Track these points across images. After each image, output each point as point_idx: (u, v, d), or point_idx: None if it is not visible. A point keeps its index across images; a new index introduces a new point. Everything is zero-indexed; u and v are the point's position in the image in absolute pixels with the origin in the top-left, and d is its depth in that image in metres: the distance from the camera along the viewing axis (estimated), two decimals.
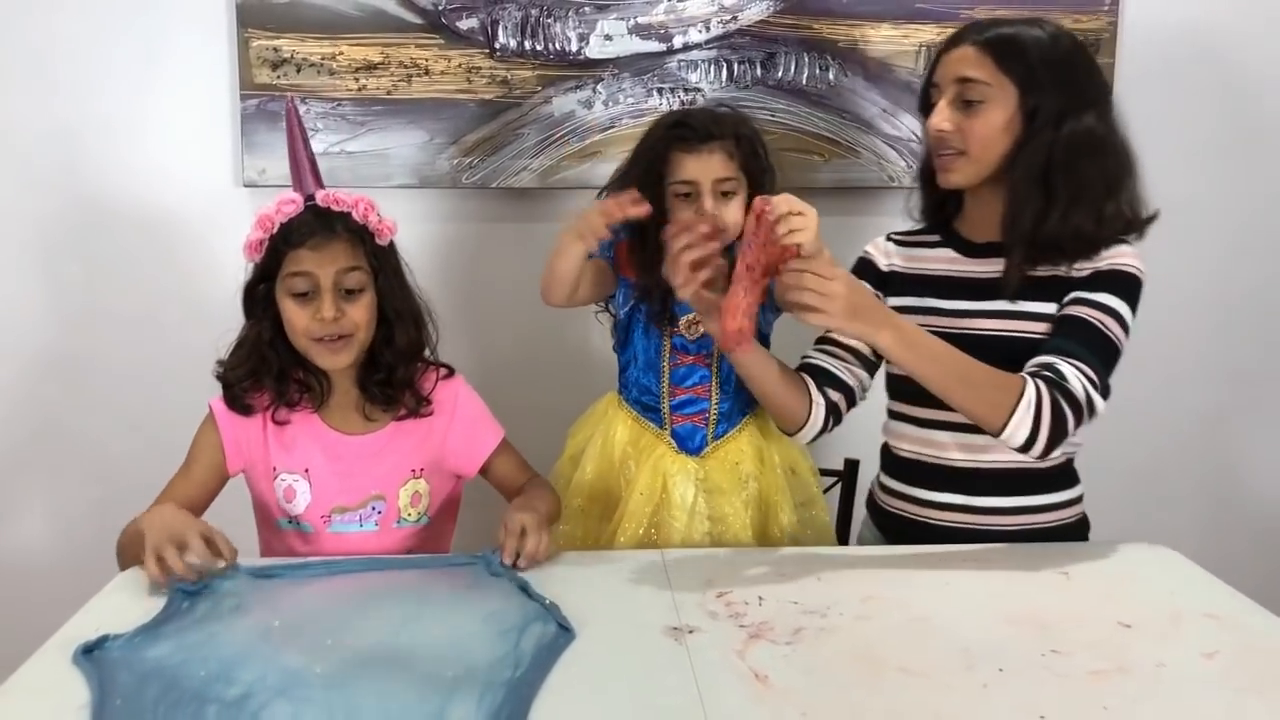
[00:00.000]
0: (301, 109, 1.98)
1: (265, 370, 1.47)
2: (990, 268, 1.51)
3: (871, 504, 1.71)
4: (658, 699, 1.04)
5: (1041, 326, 1.46)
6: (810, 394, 1.53)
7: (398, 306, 1.48)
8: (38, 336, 2.07)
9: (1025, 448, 1.37)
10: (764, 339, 1.68)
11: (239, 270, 2.02)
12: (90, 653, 1.12)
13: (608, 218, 1.46)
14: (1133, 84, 2.08)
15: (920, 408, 1.54)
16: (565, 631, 1.17)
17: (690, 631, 1.19)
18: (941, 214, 1.61)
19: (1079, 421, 1.37)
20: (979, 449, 1.51)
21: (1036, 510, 1.54)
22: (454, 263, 2.10)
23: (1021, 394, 1.36)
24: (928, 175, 1.59)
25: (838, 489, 1.94)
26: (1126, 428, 2.04)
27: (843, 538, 1.92)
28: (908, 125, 2.10)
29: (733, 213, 1.56)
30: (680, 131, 1.58)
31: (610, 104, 2.05)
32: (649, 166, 1.59)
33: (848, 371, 1.59)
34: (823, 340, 1.62)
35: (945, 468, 1.55)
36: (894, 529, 1.62)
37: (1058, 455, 1.45)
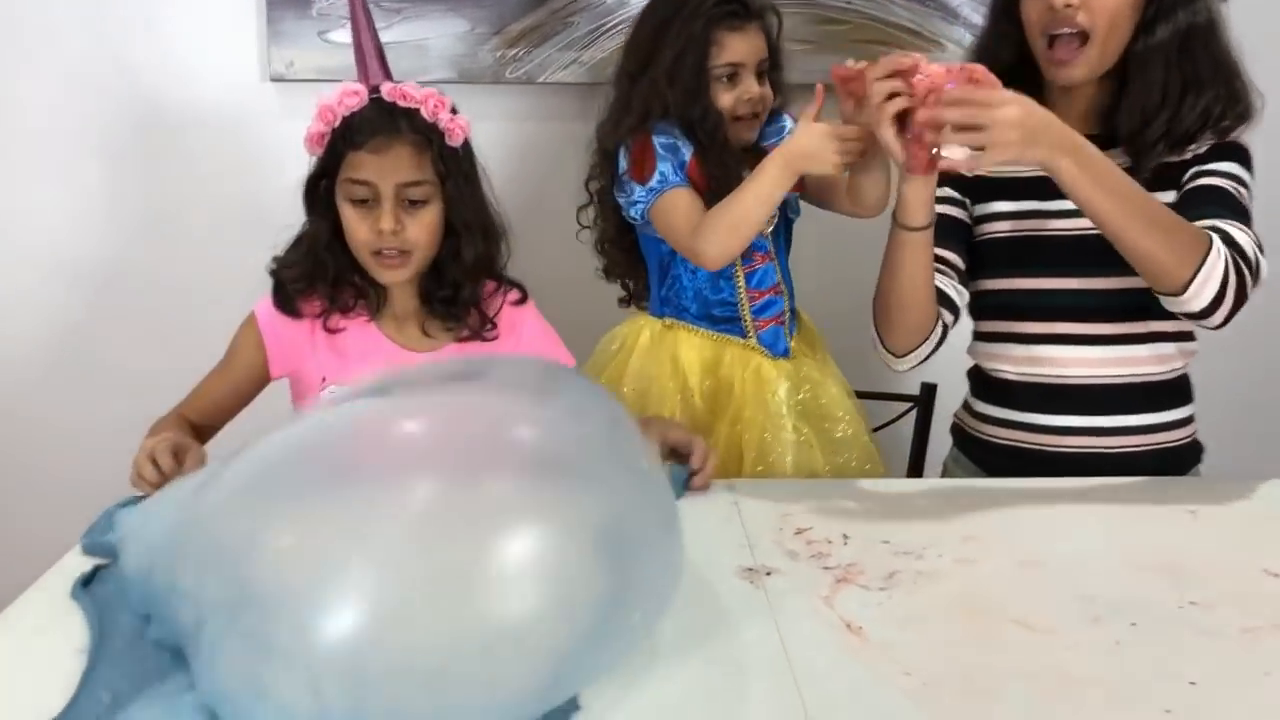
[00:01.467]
0: None
1: (320, 274, 1.35)
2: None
3: (958, 433, 1.55)
4: (736, 651, 0.90)
5: None
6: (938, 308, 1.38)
7: (467, 218, 1.35)
8: (62, 241, 1.95)
9: (1208, 311, 1.23)
10: (788, 225, 1.58)
11: (271, 167, 1.91)
12: (88, 586, 1.00)
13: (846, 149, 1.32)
14: None
15: (1030, 323, 1.39)
16: None
17: (768, 574, 1.04)
18: None
19: (1254, 284, 1.24)
20: (1095, 363, 1.37)
21: (1150, 430, 1.39)
22: (495, 164, 1.93)
23: (1210, 246, 1.20)
24: (1017, 70, 1.36)
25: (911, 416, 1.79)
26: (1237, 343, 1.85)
27: (916, 469, 1.77)
28: None
29: (769, 91, 1.49)
30: (730, 8, 1.44)
31: None
32: (698, 50, 1.44)
33: (953, 288, 1.42)
34: None
35: (1054, 386, 1.39)
36: (987, 458, 1.47)
37: (1179, 367, 1.38)
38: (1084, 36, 1.30)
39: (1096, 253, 1.28)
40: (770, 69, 1.50)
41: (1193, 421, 1.45)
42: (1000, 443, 1.45)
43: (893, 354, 1.41)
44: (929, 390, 1.78)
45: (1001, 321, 1.44)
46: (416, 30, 1.85)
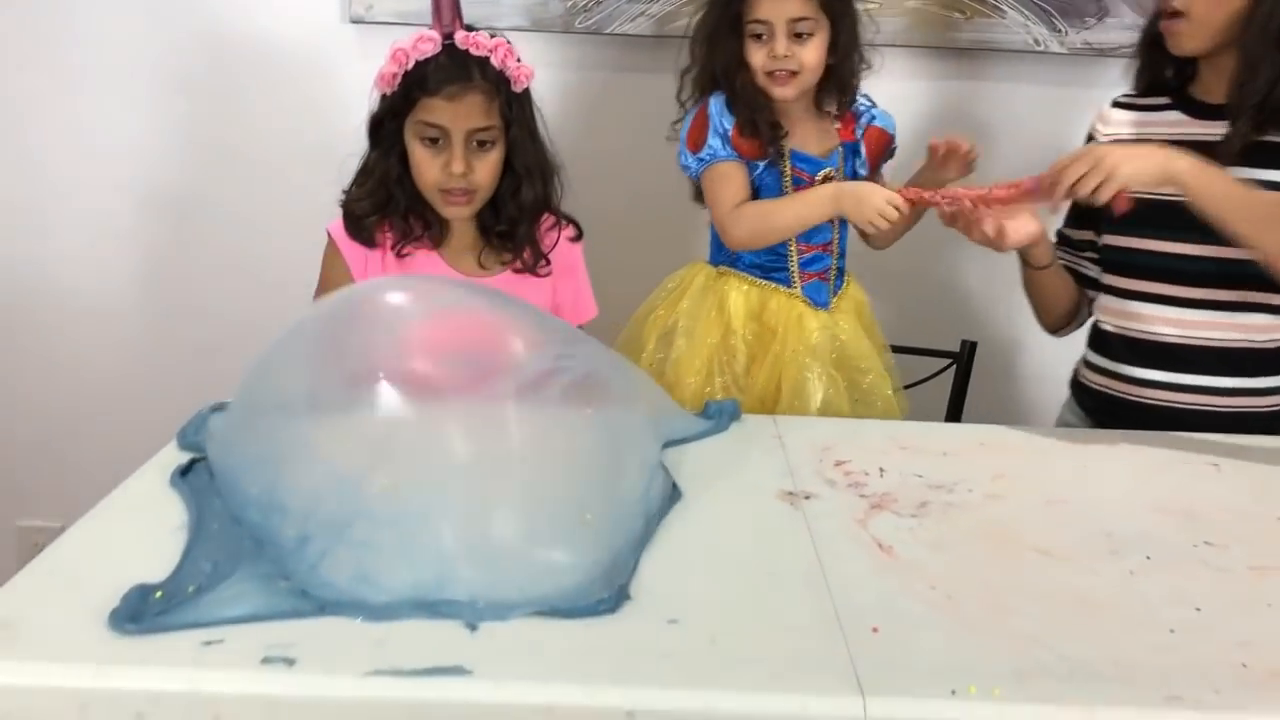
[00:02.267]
0: None
1: (393, 208, 1.43)
2: (1217, 130, 1.42)
3: (1075, 384, 1.62)
4: (775, 564, 0.97)
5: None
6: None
7: (527, 161, 1.43)
8: (146, 169, 2.04)
9: None
10: None
11: (346, 107, 1.98)
12: (185, 475, 1.10)
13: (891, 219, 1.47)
14: None
15: (1125, 278, 1.47)
16: (675, 490, 1.11)
17: (807, 498, 1.12)
18: (1177, 77, 1.50)
19: None
20: (1183, 324, 1.44)
21: (1252, 393, 1.45)
22: (563, 112, 2.00)
23: None
24: (1150, 39, 1.49)
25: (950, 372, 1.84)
26: None
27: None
28: None
29: (810, 53, 1.50)
30: None
31: None
32: (724, 5, 1.51)
33: (1088, 265, 1.58)
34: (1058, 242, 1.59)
35: (1155, 343, 1.47)
36: (1099, 408, 1.55)
37: (1273, 338, 1.44)
38: (1176, 14, 1.40)
39: (1195, 220, 1.34)
40: (836, 29, 1.52)
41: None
42: (1099, 390, 1.54)
43: (1049, 331, 1.63)
44: (969, 347, 1.84)
45: (1108, 276, 1.54)
46: None
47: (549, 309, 1.49)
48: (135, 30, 1.98)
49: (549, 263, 1.49)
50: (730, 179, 1.55)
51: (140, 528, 1.00)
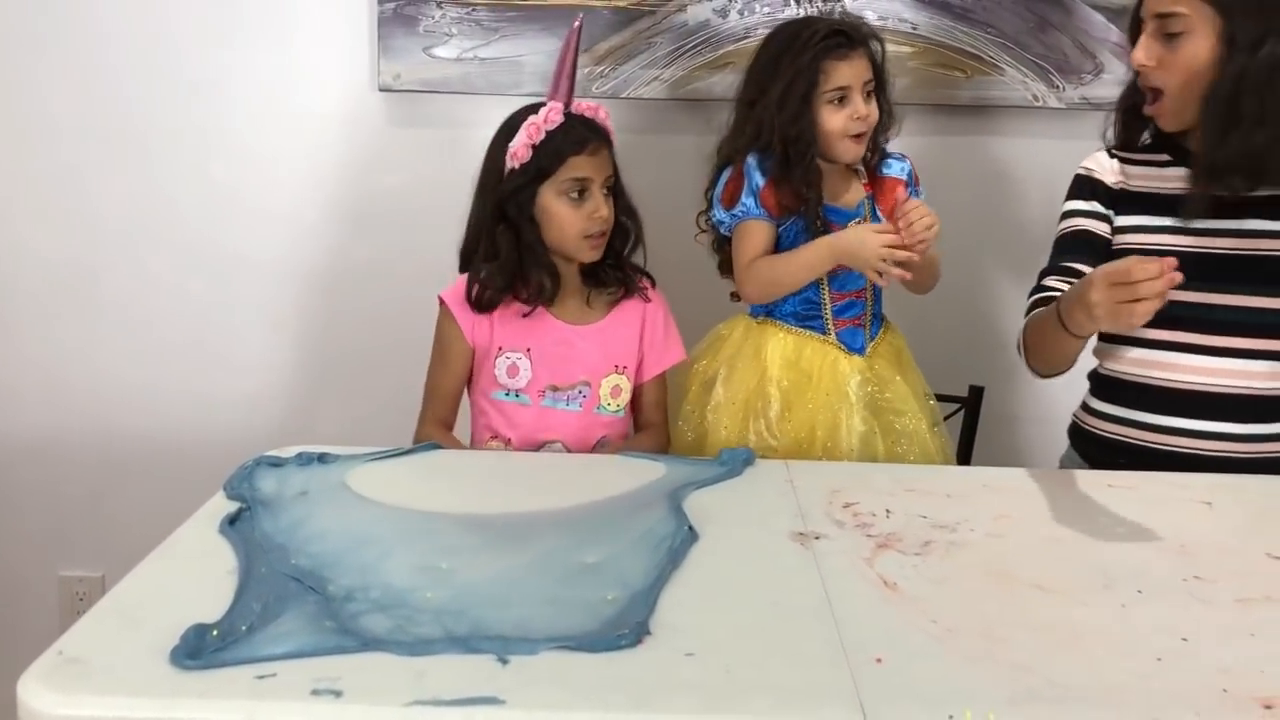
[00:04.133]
0: (436, 14, 2.01)
1: (522, 279, 1.59)
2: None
3: (1075, 431, 1.66)
4: (785, 600, 1.04)
5: None
6: None
7: (626, 204, 1.65)
8: (191, 231, 2.13)
9: None
10: None
11: (375, 169, 2.09)
12: (234, 524, 1.18)
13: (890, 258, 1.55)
14: None
15: (1153, 329, 1.47)
16: (691, 533, 1.18)
17: (817, 538, 1.18)
18: (1170, 135, 1.56)
19: None
20: (1210, 372, 1.49)
21: (1255, 439, 1.50)
22: None
23: None
24: (1129, 104, 1.57)
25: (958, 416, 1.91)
26: None
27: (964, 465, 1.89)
28: (1056, 42, 2.01)
29: (875, 110, 1.66)
30: (836, 40, 1.62)
31: (745, 13, 2.00)
32: (803, 76, 1.62)
33: None
34: (1054, 270, 1.60)
35: (1181, 391, 1.51)
36: (1104, 456, 1.57)
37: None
38: (1158, 92, 1.47)
39: (1226, 271, 1.43)
40: (876, 89, 1.68)
41: None
42: (1111, 439, 1.57)
43: (1042, 375, 1.62)
44: (976, 392, 1.90)
45: None
46: (512, 48, 2.02)
47: (645, 348, 1.68)
48: (181, 103, 2.08)
49: (653, 283, 1.70)
50: (753, 236, 1.66)
51: (194, 572, 1.07)
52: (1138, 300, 1.31)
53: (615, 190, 1.63)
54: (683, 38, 2.01)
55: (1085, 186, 1.60)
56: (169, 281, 2.15)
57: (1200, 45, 1.42)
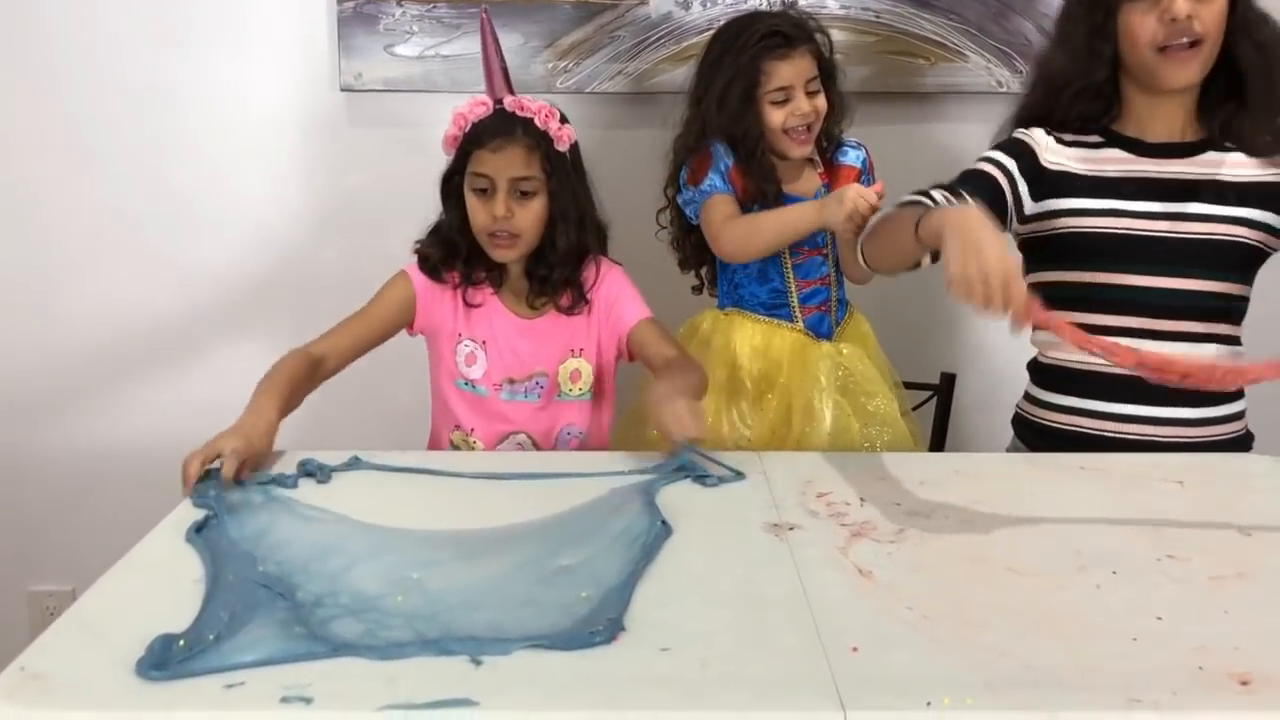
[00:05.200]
0: (397, 12, 1.99)
1: (455, 254, 1.60)
2: (1171, 168, 1.49)
3: (1020, 422, 1.65)
4: (760, 592, 1.03)
5: (1251, 233, 1.46)
6: None
7: (565, 210, 1.57)
8: (148, 239, 2.11)
9: None
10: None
11: (337, 170, 2.07)
12: (200, 532, 1.16)
13: (861, 214, 1.51)
14: None
15: (1097, 314, 1.49)
16: (664, 526, 1.17)
17: (791, 529, 1.18)
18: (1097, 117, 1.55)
19: None
20: None
21: (1206, 423, 1.50)
22: None
23: None
24: (1087, 82, 1.52)
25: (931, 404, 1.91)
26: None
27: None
28: (1018, 28, 2.01)
29: (821, 104, 1.68)
30: (774, 40, 1.63)
31: (708, 5, 2.00)
32: (746, 78, 1.64)
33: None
34: (944, 187, 1.50)
35: (1115, 376, 1.45)
36: (1051, 446, 1.55)
37: None
38: (1196, 42, 1.44)
39: (1168, 255, 1.44)
40: (826, 81, 1.68)
41: (1243, 416, 1.55)
42: (1059, 428, 1.55)
43: (863, 260, 1.50)
44: (948, 379, 1.90)
45: (1067, 312, 1.49)
46: (475, 44, 1.97)
47: (598, 335, 1.63)
48: (135, 108, 2.05)
49: (588, 303, 1.62)
50: (723, 204, 1.67)
51: (160, 581, 1.06)
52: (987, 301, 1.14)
53: (552, 194, 1.55)
54: (645, 31, 2.01)
55: (1015, 147, 1.55)
56: (131, 291, 2.12)
57: None
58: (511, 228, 1.54)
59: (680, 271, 1.82)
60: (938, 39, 2.02)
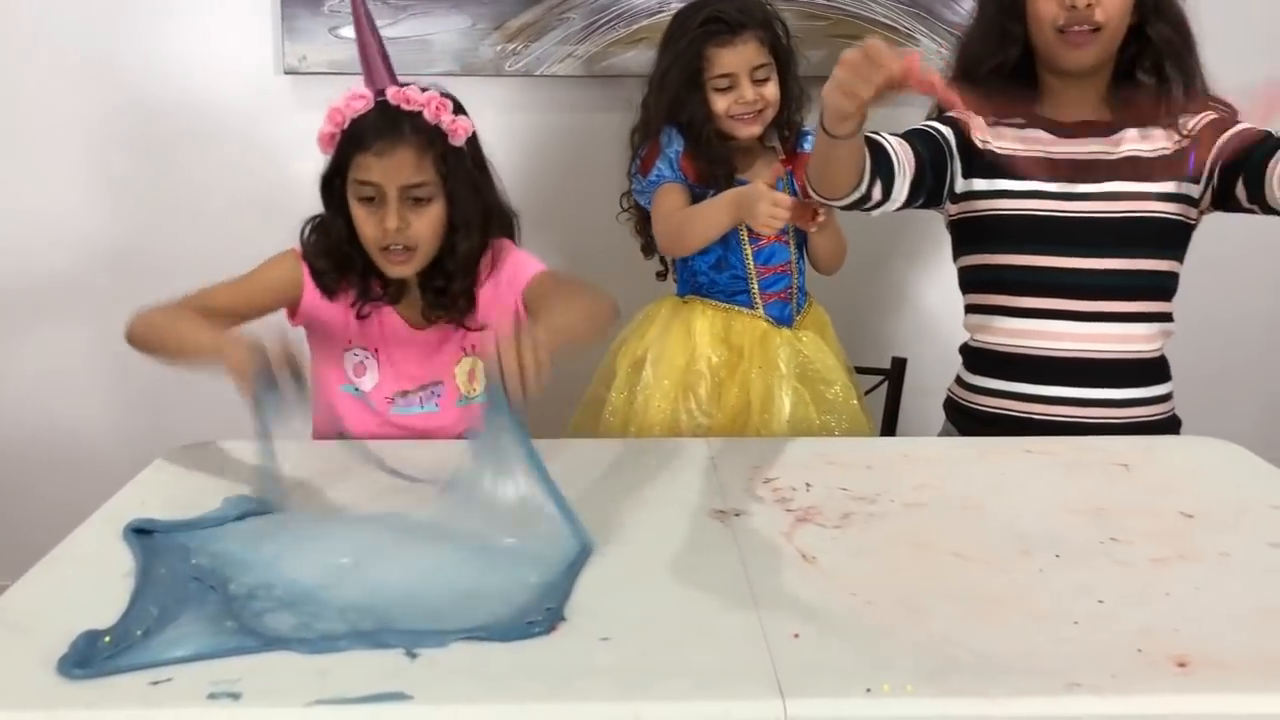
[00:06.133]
0: None
1: (349, 268, 1.43)
2: (1086, 147, 1.49)
3: (951, 406, 1.65)
4: (703, 579, 1.02)
5: (1171, 206, 1.46)
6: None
7: (465, 215, 1.41)
8: (88, 226, 2.06)
9: None
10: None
11: (282, 156, 2.02)
12: (138, 533, 1.12)
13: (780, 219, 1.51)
14: None
15: (1024, 297, 1.50)
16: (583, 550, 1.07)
17: (737, 515, 1.17)
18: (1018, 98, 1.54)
19: None
20: (1088, 338, 1.48)
21: (1133, 404, 1.51)
22: (496, 153, 2.05)
23: None
24: (998, 62, 1.52)
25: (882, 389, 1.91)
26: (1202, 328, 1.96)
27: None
28: (969, 11, 2.00)
29: (771, 91, 1.65)
30: (714, 27, 1.61)
31: None
32: (685, 65, 1.63)
33: (902, 166, 1.47)
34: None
35: (1043, 358, 1.50)
36: (978, 429, 1.56)
37: (1159, 346, 1.51)
38: (1096, 28, 1.45)
39: (1094, 235, 1.44)
40: (781, 70, 1.66)
41: (1171, 398, 1.56)
42: (991, 412, 1.55)
43: (818, 196, 1.46)
44: (899, 364, 1.90)
45: (997, 295, 1.54)
46: (421, 26, 1.97)
47: (490, 334, 1.45)
48: (71, 90, 2.02)
49: (475, 313, 1.47)
50: (670, 195, 1.66)
51: (89, 576, 1.02)
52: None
53: (450, 196, 1.39)
54: (596, 13, 1.99)
55: (952, 123, 1.55)
56: (66, 277, 2.08)
57: None
58: (406, 240, 1.37)
59: (644, 258, 1.80)
60: (888, 21, 2.02)
